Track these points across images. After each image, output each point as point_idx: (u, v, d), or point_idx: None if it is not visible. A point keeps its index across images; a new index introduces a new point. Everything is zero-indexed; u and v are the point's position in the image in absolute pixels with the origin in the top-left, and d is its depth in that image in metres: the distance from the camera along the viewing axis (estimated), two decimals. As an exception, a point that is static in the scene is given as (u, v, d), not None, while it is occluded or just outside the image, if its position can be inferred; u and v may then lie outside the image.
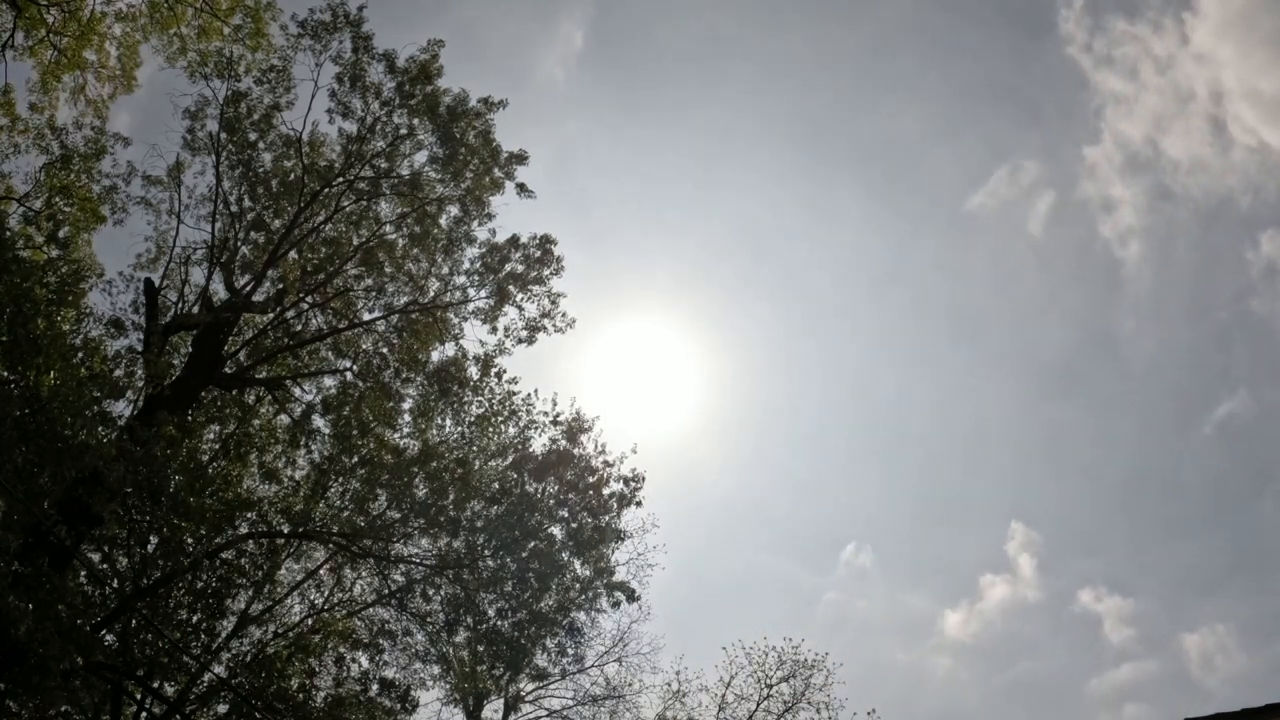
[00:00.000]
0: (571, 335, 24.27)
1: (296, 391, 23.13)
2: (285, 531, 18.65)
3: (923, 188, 58.86)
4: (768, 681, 27.46)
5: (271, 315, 23.17)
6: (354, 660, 19.60)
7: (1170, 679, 50.73)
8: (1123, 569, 55.00)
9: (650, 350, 46.84)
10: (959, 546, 57.09)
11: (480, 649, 23.90)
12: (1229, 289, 55.19)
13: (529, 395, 24.43)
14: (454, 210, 24.17)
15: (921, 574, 56.87)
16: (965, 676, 52.97)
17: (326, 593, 22.04)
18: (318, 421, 21.65)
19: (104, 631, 16.27)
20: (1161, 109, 53.22)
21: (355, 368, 23.08)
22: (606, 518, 24.06)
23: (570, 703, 27.62)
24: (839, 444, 60.29)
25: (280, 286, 23.00)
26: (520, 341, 23.87)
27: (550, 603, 23.04)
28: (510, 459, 23.79)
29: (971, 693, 51.45)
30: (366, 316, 23.81)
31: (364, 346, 23.61)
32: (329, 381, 23.24)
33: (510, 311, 23.87)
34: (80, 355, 17.00)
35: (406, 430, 22.64)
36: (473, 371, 23.58)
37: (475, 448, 23.26)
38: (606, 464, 24.78)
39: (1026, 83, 56.54)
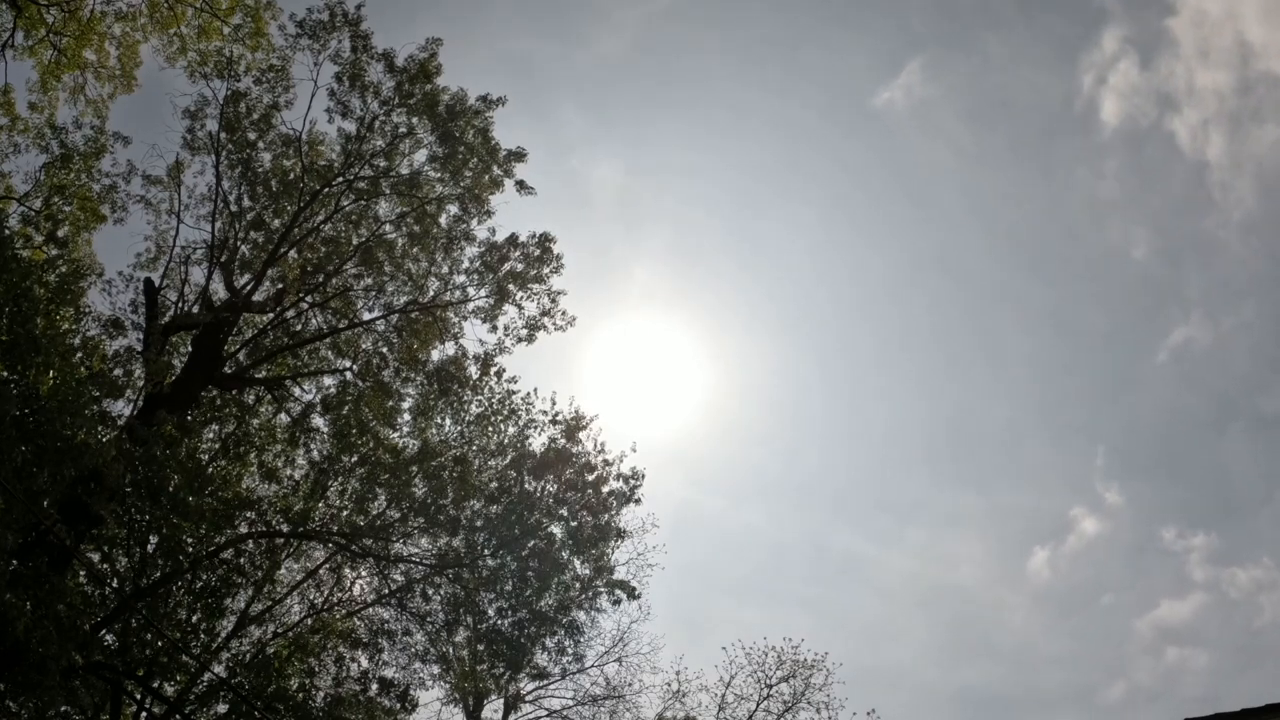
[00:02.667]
0: (571, 332, 24.33)
1: (296, 391, 23.15)
2: (285, 531, 18.65)
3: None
4: (768, 681, 27.46)
5: (271, 315, 23.18)
6: (354, 660, 19.62)
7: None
8: (1202, 504, 54.33)
9: (650, 339, 46.50)
10: (1043, 480, 56.20)
11: (480, 648, 23.89)
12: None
13: (528, 394, 24.43)
14: (453, 209, 24.21)
15: (1006, 511, 56.21)
16: (1044, 617, 52.66)
17: (326, 592, 22.00)
18: (317, 421, 21.68)
19: (104, 631, 16.27)
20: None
21: (355, 367, 23.10)
22: (606, 516, 24.07)
23: (570, 702, 27.63)
24: (926, 375, 58.80)
25: (280, 286, 23.02)
26: (520, 340, 23.92)
27: (550, 601, 23.04)
28: (509, 458, 23.78)
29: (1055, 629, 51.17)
30: (366, 316, 23.84)
31: (364, 346, 23.63)
32: (329, 381, 23.28)
33: (510, 310, 23.92)
34: (79, 355, 16.99)
35: (406, 429, 22.65)
36: (472, 370, 23.59)
37: (475, 447, 23.25)
38: (606, 462, 24.79)
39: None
